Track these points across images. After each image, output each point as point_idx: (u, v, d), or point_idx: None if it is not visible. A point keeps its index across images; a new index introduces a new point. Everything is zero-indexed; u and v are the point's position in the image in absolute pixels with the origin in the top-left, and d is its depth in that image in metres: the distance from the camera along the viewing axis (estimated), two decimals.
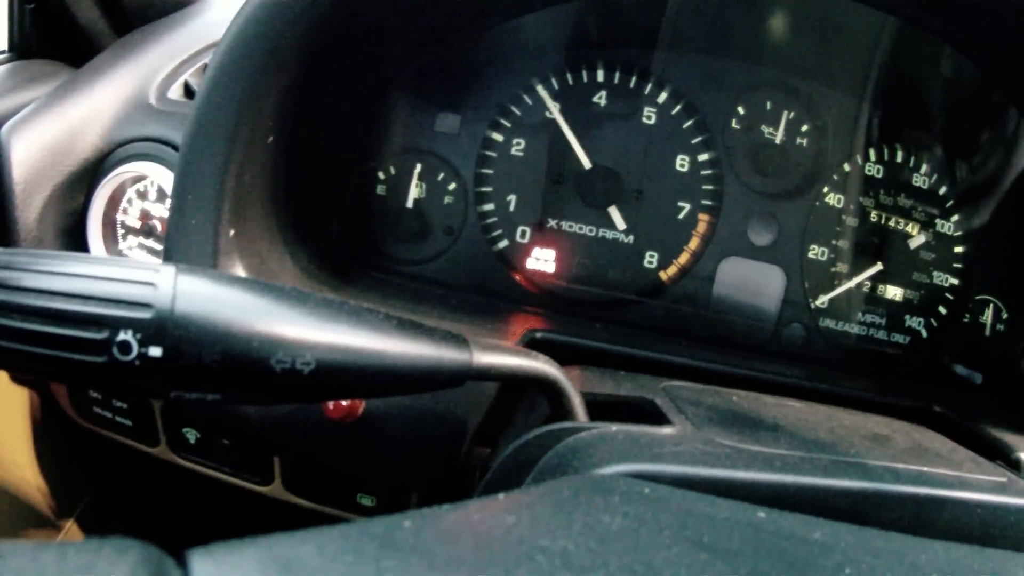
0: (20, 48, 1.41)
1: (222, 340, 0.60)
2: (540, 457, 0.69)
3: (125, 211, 1.21)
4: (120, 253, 1.21)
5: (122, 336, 0.57)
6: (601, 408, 0.81)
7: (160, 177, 1.17)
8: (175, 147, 1.16)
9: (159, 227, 1.20)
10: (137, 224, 1.21)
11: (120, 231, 1.21)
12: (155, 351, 0.58)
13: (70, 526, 1.51)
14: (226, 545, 0.40)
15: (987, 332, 1.39)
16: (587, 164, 1.37)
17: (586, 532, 0.47)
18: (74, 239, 1.20)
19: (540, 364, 0.77)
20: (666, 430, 0.73)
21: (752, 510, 0.57)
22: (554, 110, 1.38)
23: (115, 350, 0.57)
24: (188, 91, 1.27)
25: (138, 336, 0.58)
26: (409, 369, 0.68)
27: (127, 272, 0.59)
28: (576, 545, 0.45)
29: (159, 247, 1.20)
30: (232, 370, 0.61)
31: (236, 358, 0.60)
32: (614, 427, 0.72)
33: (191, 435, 1.31)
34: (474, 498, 0.54)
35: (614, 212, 1.38)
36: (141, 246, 1.21)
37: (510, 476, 0.72)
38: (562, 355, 0.97)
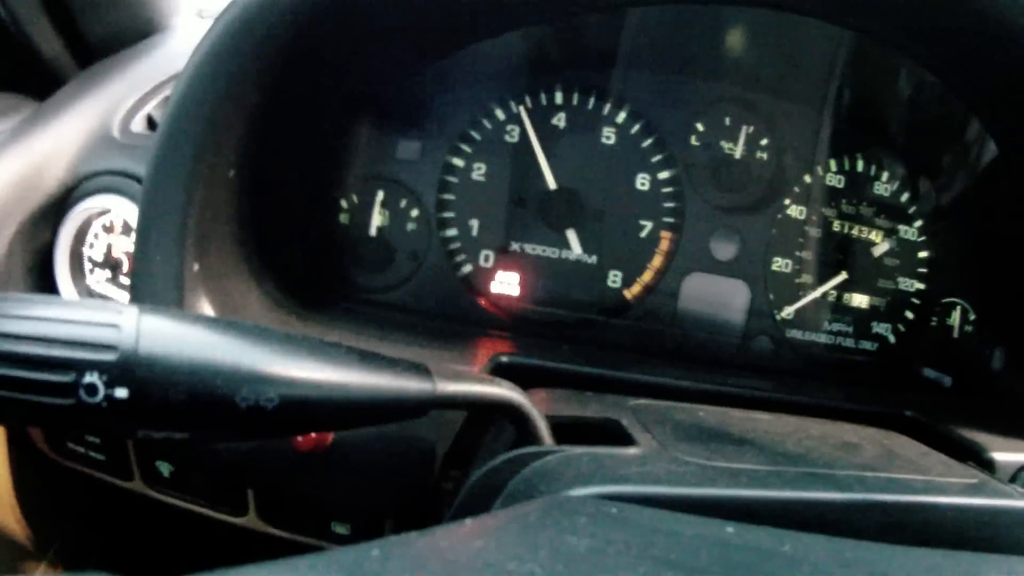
0: None
1: (186, 379, 0.60)
2: (507, 482, 0.69)
3: (91, 246, 1.21)
4: (88, 288, 1.21)
5: (88, 379, 0.58)
6: (567, 431, 0.81)
7: (125, 211, 1.16)
8: (138, 180, 1.15)
9: (125, 261, 1.20)
10: (104, 258, 1.20)
11: (87, 266, 1.21)
12: (121, 392, 0.58)
13: (47, 563, 1.50)
14: None
15: (955, 334, 1.40)
16: (552, 185, 1.38)
17: (553, 554, 0.47)
18: (42, 275, 1.20)
19: (503, 390, 0.77)
20: (631, 450, 0.73)
21: (721, 525, 0.57)
22: (514, 133, 1.39)
23: (82, 392, 0.58)
24: (151, 123, 1.27)
25: (104, 378, 0.58)
26: (372, 401, 0.68)
27: (91, 314, 0.60)
28: (543, 568, 0.45)
29: (126, 281, 1.20)
30: (197, 409, 0.61)
31: (201, 397, 0.61)
32: (579, 450, 0.72)
33: (165, 469, 1.31)
34: (442, 524, 0.54)
35: (571, 235, 1.39)
36: (109, 280, 1.21)
37: (478, 502, 0.72)
38: (529, 378, 0.97)
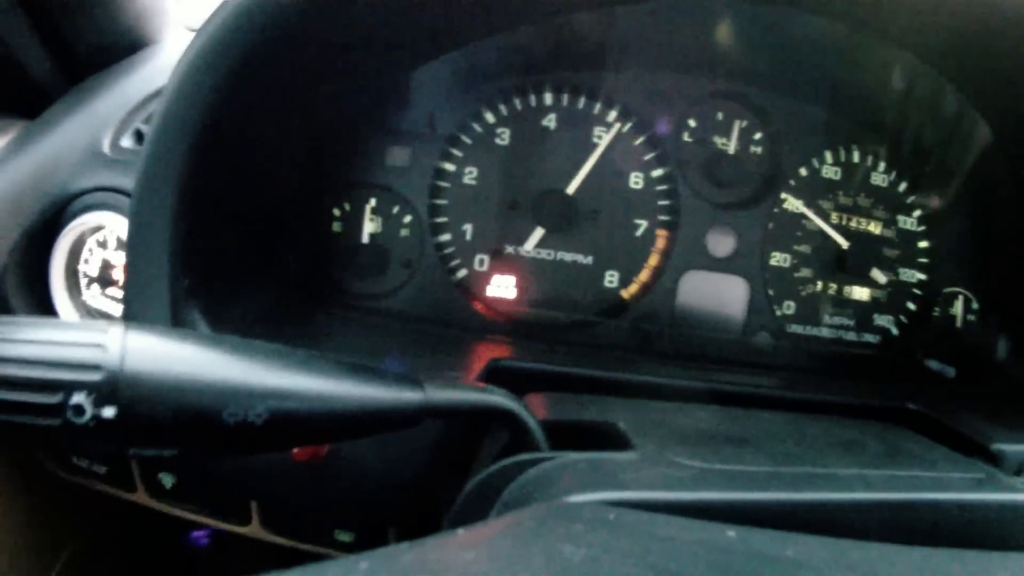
0: None
1: (173, 397, 0.60)
2: (502, 490, 0.69)
3: (87, 261, 1.20)
4: (84, 304, 1.21)
5: (75, 399, 0.58)
6: (564, 435, 0.80)
7: (117, 226, 1.16)
8: (129, 195, 1.15)
9: (120, 276, 1.19)
10: (99, 274, 1.20)
11: (83, 281, 1.21)
12: (108, 412, 0.58)
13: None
14: None
15: (958, 324, 1.39)
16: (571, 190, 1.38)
17: (547, 564, 0.46)
18: (38, 292, 1.20)
19: (496, 397, 0.76)
20: (628, 455, 0.73)
21: (722, 530, 0.56)
22: (504, 136, 1.38)
23: (69, 413, 0.58)
24: (140, 138, 1.27)
25: (91, 398, 0.58)
26: (362, 413, 0.68)
27: (76, 335, 0.60)
28: None
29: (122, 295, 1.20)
30: (185, 426, 0.61)
31: (188, 414, 0.61)
32: (574, 455, 0.71)
33: (167, 480, 1.31)
34: (434, 535, 0.54)
35: (564, 237, 1.39)
36: (105, 295, 1.21)
37: (473, 510, 0.71)
38: (527, 382, 0.97)
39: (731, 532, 0.56)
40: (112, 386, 0.59)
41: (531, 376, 1.07)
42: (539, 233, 1.38)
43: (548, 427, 0.79)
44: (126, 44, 1.46)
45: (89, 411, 0.58)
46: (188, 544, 1.77)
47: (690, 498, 0.64)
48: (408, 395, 0.71)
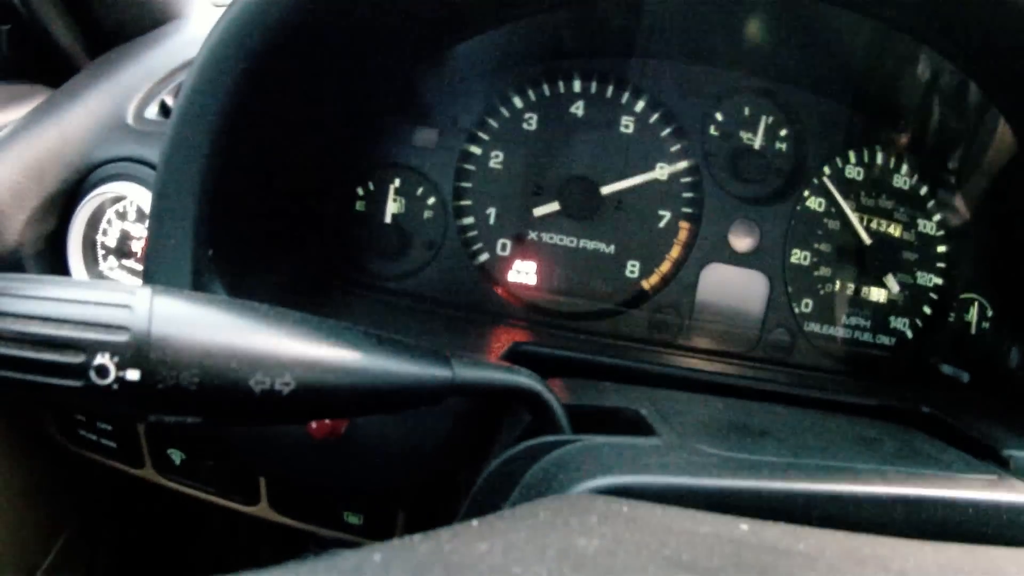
0: None
1: (199, 362, 0.60)
2: (525, 472, 0.68)
3: (104, 232, 1.20)
4: (100, 274, 1.20)
5: (99, 360, 0.57)
6: (586, 420, 0.80)
7: (138, 197, 1.16)
8: (153, 166, 1.15)
9: (139, 248, 1.19)
10: (117, 245, 1.20)
11: (100, 252, 1.21)
12: (133, 374, 0.58)
13: (55, 553, 1.49)
14: None
15: (973, 330, 1.39)
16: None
17: (561, 557, 0.46)
18: (54, 261, 1.19)
19: (522, 378, 0.76)
20: (652, 440, 0.72)
21: (734, 523, 0.56)
22: (531, 121, 1.38)
23: (92, 374, 0.57)
24: (165, 110, 1.26)
25: (115, 359, 0.57)
26: (389, 387, 0.68)
27: (103, 295, 0.59)
28: (550, 571, 0.44)
29: (139, 267, 1.19)
30: (211, 392, 0.60)
31: (214, 380, 0.60)
32: (599, 439, 0.71)
33: (176, 456, 1.30)
34: (454, 523, 0.53)
35: (588, 225, 1.39)
36: (122, 267, 1.20)
37: (495, 492, 0.71)
38: (546, 367, 0.96)
39: (744, 526, 0.56)
40: (138, 348, 0.58)
41: (550, 361, 1.07)
42: (553, 206, 1.38)
43: (570, 411, 0.79)
44: (151, 17, 1.47)
45: (113, 373, 0.57)
46: None
47: (715, 485, 0.64)
48: (437, 371, 0.71)
